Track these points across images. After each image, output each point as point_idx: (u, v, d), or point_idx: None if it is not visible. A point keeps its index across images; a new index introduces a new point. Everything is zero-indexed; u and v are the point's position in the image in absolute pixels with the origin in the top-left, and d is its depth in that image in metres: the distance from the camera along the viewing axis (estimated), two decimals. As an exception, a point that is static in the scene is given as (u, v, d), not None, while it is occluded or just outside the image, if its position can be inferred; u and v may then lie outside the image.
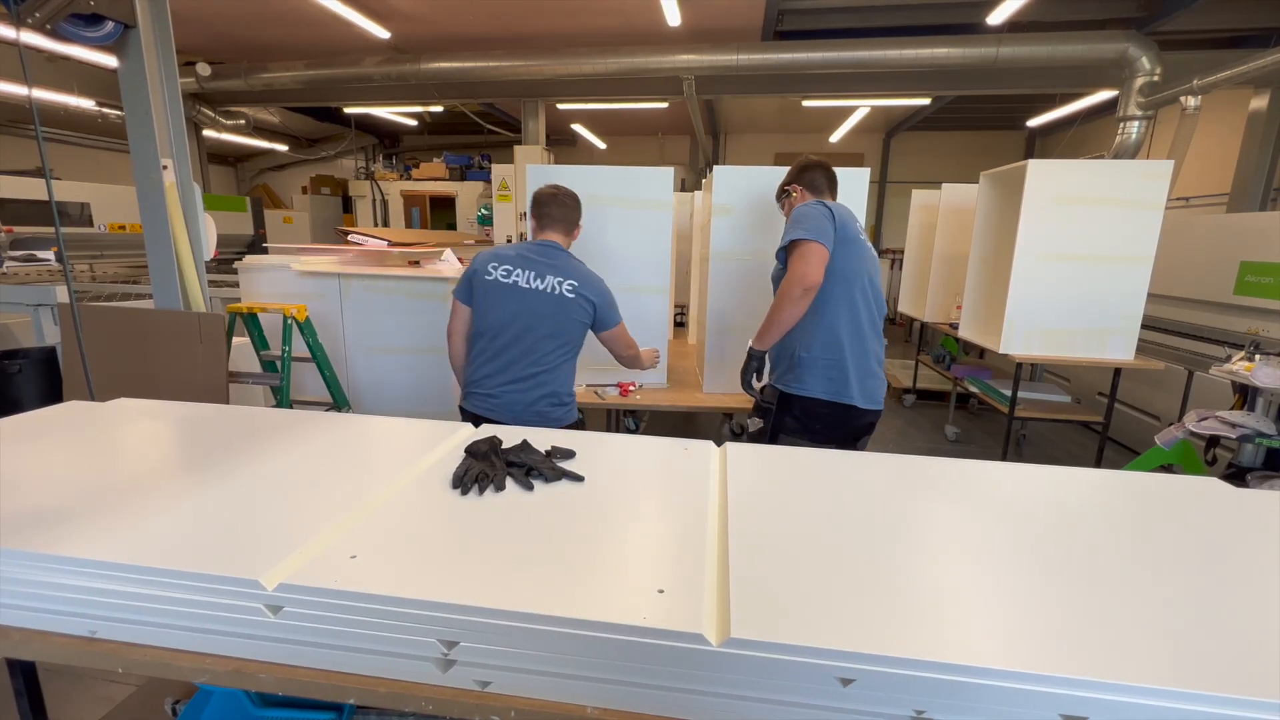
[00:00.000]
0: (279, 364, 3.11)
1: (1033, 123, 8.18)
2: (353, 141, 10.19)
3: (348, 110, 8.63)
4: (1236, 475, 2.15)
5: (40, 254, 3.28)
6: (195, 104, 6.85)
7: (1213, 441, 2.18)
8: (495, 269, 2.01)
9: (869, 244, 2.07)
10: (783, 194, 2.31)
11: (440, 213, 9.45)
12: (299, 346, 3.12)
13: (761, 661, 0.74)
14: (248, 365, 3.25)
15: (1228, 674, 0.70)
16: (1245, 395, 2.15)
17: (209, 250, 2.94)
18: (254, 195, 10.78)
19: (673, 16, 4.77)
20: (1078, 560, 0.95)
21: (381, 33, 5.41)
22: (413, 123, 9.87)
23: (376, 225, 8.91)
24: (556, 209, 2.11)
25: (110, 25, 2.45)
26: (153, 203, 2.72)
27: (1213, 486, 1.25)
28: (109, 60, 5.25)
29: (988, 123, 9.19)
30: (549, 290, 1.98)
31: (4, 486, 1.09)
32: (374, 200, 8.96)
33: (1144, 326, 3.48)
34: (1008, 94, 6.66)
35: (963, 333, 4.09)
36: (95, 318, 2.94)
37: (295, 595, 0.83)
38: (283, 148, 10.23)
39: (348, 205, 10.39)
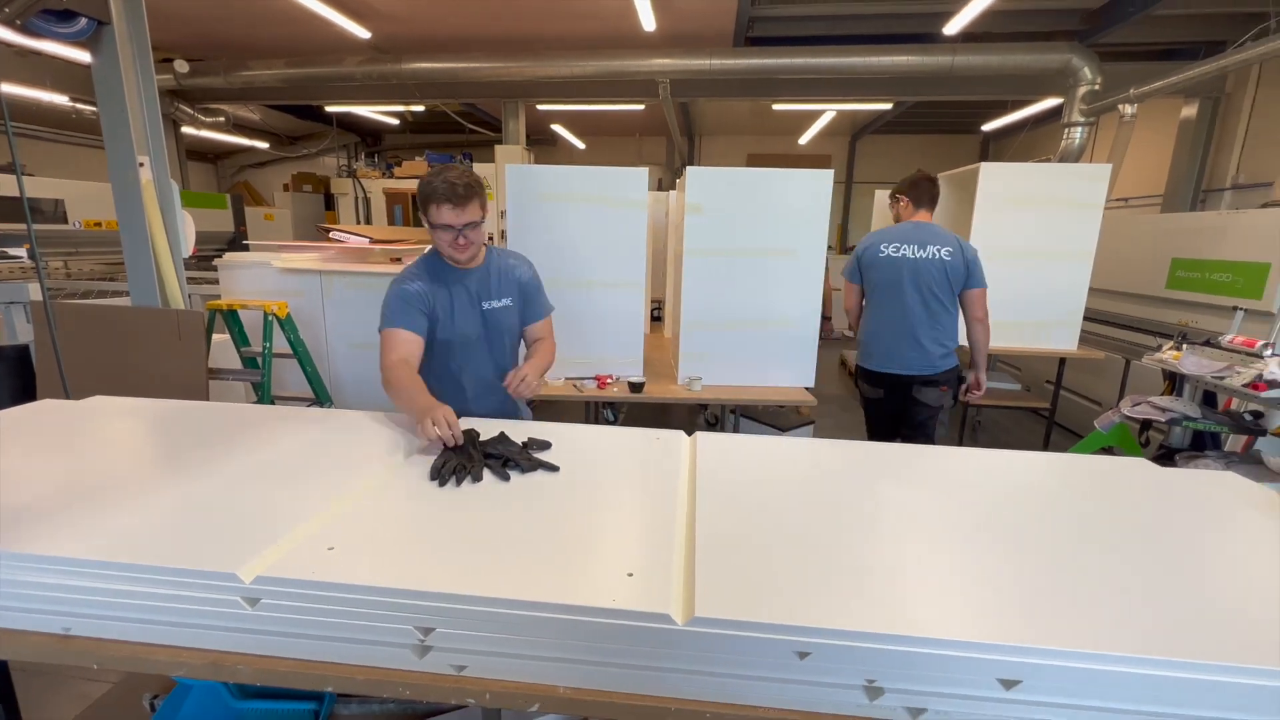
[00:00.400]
0: (259, 360, 3.07)
1: (987, 127, 8.50)
2: (334, 139, 10.03)
3: (329, 109, 8.49)
4: (1167, 455, 2.31)
5: (12, 251, 3.16)
6: (173, 101, 6.65)
7: (1146, 425, 2.34)
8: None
9: (906, 255, 2.59)
10: (894, 199, 2.75)
11: (424, 210, 9.38)
12: (280, 343, 3.10)
13: (724, 638, 0.79)
14: (228, 362, 3.22)
15: (1152, 636, 0.78)
16: (1174, 382, 2.31)
17: (187, 247, 2.89)
18: (234, 192, 10.56)
19: (648, 22, 4.83)
20: (1019, 537, 1.03)
21: (362, 32, 5.32)
22: (394, 122, 9.78)
23: (359, 223, 8.78)
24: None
25: (83, 21, 2.40)
26: (129, 200, 2.67)
27: (1142, 466, 1.36)
28: (83, 56, 5.13)
29: (946, 126, 9.52)
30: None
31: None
32: (356, 198, 8.84)
33: (1086, 318, 3.69)
34: (964, 100, 6.93)
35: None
36: (71, 315, 2.87)
37: (272, 587, 0.85)
38: (263, 145, 10.06)
39: (329, 202, 10.22)
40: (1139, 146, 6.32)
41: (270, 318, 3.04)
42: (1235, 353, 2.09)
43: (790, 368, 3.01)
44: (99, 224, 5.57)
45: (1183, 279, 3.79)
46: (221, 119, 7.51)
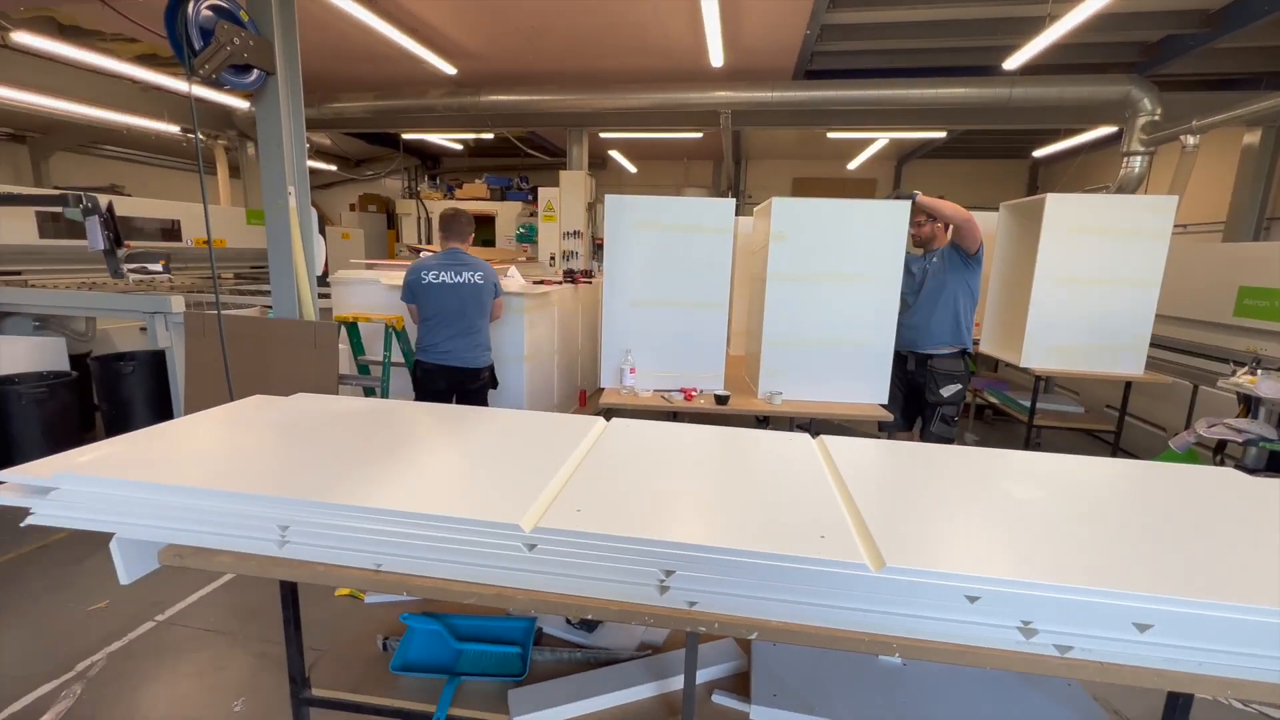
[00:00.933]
0: (371, 367, 3.41)
1: (1038, 153, 8.57)
2: (398, 163, 10.66)
3: (404, 135, 9.11)
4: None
5: (150, 266, 3.58)
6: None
7: (1219, 446, 2.46)
8: (427, 275, 3.12)
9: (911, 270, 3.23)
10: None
11: (480, 230, 9.88)
12: (392, 352, 3.43)
13: (908, 584, 1.01)
14: (343, 368, 3.57)
15: (1256, 591, 0.97)
16: (1249, 405, 2.43)
17: (319, 267, 3.25)
18: None
19: (717, 59, 5.17)
20: (1131, 518, 1.22)
21: (449, 69, 5.80)
22: (458, 146, 10.38)
23: (420, 241, 9.31)
24: (457, 225, 3.28)
25: (256, 74, 2.79)
26: (278, 224, 3.05)
27: (1231, 474, 1.53)
28: (234, 101, 5.62)
29: (994, 152, 9.59)
30: (466, 281, 3.16)
31: (275, 458, 1.37)
32: (419, 218, 9.38)
33: (1150, 344, 3.79)
34: (1017, 128, 7.04)
35: (984, 348, 4.38)
36: (215, 325, 3.24)
37: (547, 536, 1.10)
38: (332, 168, 10.77)
39: (391, 222, 10.84)
40: (1199, 173, 6.34)
41: (389, 329, 3.39)
42: (1311, 377, 2.22)
43: (865, 384, 3.21)
44: (206, 241, 6.13)
45: (1250, 307, 3.86)
46: (308, 146, 8.14)
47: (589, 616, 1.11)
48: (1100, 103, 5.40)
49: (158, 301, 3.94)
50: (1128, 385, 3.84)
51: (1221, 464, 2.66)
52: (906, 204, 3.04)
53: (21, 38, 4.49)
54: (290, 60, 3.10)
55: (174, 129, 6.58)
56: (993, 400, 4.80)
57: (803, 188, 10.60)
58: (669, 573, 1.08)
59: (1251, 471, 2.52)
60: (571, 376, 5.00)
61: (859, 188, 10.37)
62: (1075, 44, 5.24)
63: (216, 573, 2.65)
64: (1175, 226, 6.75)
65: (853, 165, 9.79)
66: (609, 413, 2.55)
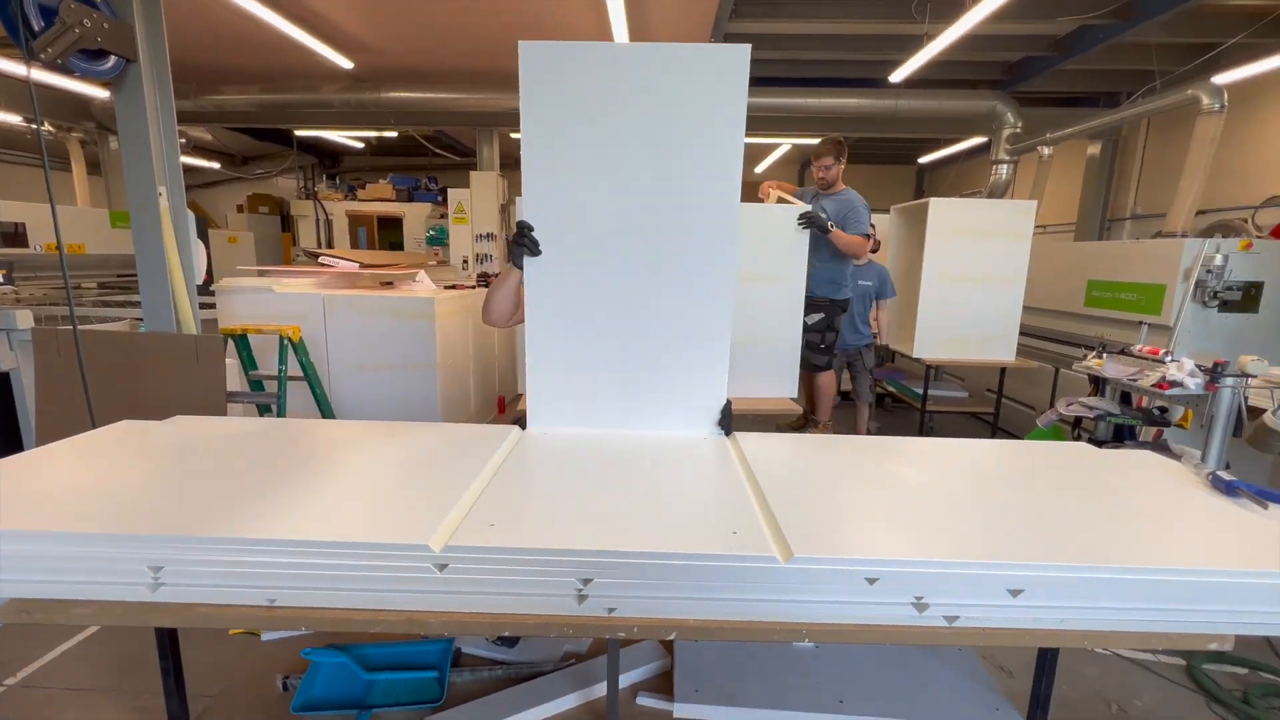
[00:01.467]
0: (266, 383, 3.15)
1: (923, 160, 9.34)
2: (292, 161, 9.88)
3: (297, 132, 8.43)
4: (1094, 446, 2.76)
5: None
6: None
7: (1077, 422, 2.79)
8: None
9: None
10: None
11: (386, 233, 9.35)
12: (291, 365, 3.19)
13: (814, 572, 1.07)
14: (232, 385, 3.27)
15: (1109, 553, 1.10)
16: (1098, 385, 2.78)
17: (200, 274, 2.97)
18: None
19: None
20: (1001, 495, 1.36)
21: (345, 63, 5.45)
22: (359, 145, 9.78)
23: (319, 245, 8.71)
24: None
25: (113, 60, 2.50)
26: (148, 228, 2.76)
27: (1083, 449, 1.73)
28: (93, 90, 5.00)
29: (885, 158, 10.37)
30: None
31: (146, 492, 1.23)
32: (317, 220, 8.77)
33: (1020, 333, 4.24)
34: (903, 136, 7.64)
35: (883, 340, 4.73)
36: (82, 341, 2.87)
37: (458, 554, 1.06)
38: (214, 165, 9.80)
39: (285, 224, 10.03)
40: (1055, 180, 7.16)
41: (285, 341, 3.14)
42: (1144, 359, 2.56)
43: (775, 380, 3.36)
44: (58, 248, 5.41)
45: (1098, 298, 4.40)
46: (183, 141, 7.38)
47: (506, 634, 1.08)
48: (972, 115, 5.97)
49: (-1, 317, 3.43)
50: (1003, 370, 4.27)
51: (1079, 438, 3.03)
52: (805, 207, 3.22)
53: None
54: (155, 46, 2.80)
55: (14, 119, 5.76)
56: (890, 389, 5.17)
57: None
58: (587, 581, 1.07)
59: (1101, 442, 2.88)
60: (489, 383, 4.87)
61: (767, 191, 10.85)
62: (950, 61, 5.75)
63: (79, 625, 2.36)
64: (1036, 227, 7.56)
65: (760, 169, 10.21)
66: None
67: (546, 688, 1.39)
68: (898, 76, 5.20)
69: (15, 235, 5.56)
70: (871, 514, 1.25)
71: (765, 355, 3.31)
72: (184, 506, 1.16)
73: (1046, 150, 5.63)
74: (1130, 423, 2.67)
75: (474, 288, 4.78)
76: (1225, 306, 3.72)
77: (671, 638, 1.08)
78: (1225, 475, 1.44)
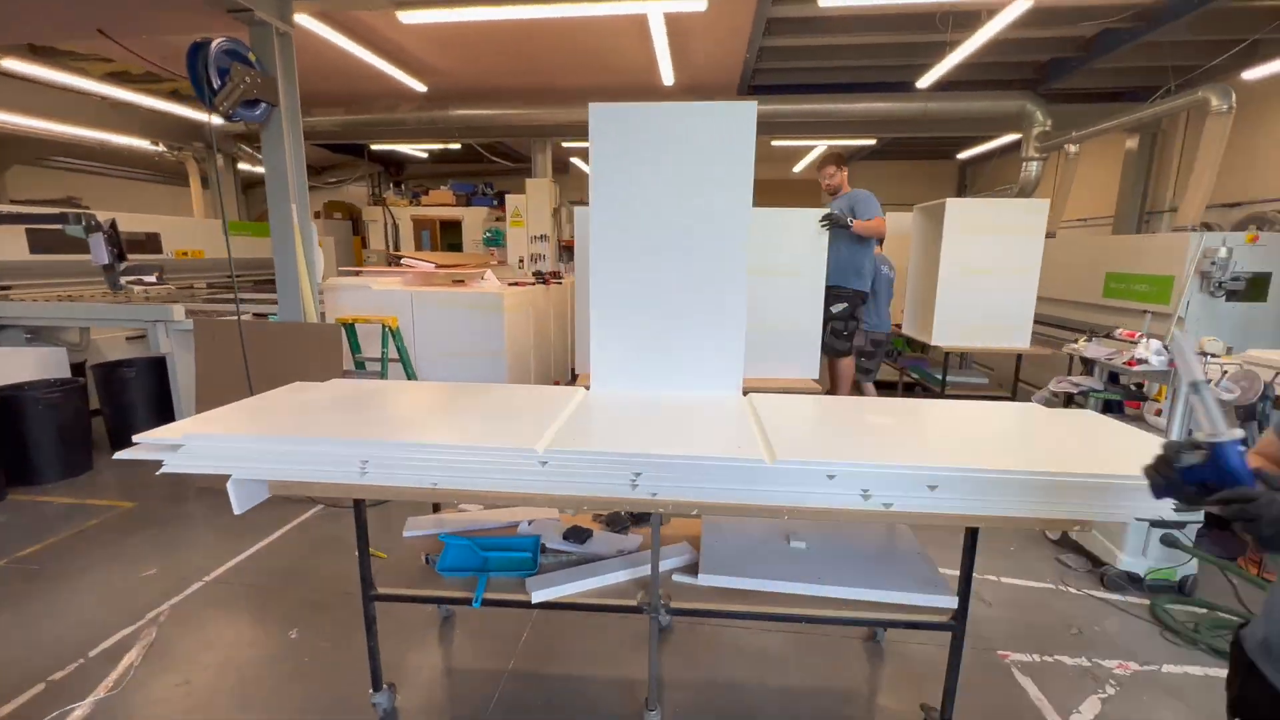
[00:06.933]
0: (367, 364, 3.83)
1: (961, 155, 9.46)
2: (363, 170, 10.85)
3: (374, 147, 9.33)
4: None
5: (146, 278, 3.94)
6: (236, 143, 7.48)
7: (1069, 398, 3.14)
8: None
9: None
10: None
11: (446, 235, 10.20)
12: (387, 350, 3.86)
13: (790, 471, 1.57)
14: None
15: (1015, 459, 1.57)
16: (1087, 365, 3.13)
17: (319, 274, 3.67)
18: (264, 221, 11.50)
19: (668, 77, 5.73)
20: (939, 427, 1.82)
21: (419, 86, 6.19)
22: (424, 155, 10.64)
23: (388, 247, 9.57)
24: None
25: (263, 106, 3.21)
26: (283, 235, 3.46)
27: (1034, 408, 2.16)
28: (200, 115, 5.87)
29: (924, 154, 10.49)
30: None
31: (342, 418, 1.84)
32: (385, 224, 9.64)
33: (1040, 321, 4.54)
34: (938, 135, 7.86)
35: (905, 330, 5.10)
36: (225, 330, 3.62)
37: (554, 455, 1.62)
38: (297, 176, 10.87)
39: (356, 229, 11.03)
40: (1094, 172, 7.26)
41: (386, 329, 3.82)
42: (1122, 341, 2.90)
43: (798, 363, 3.82)
44: (185, 253, 6.36)
45: (1114, 289, 4.65)
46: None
47: (585, 509, 1.64)
48: (1001, 115, 6.20)
49: (159, 310, 4.25)
50: (1019, 357, 4.58)
51: (1069, 412, 3.38)
52: (822, 211, 3.67)
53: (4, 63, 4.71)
54: (290, 93, 3.51)
55: (144, 143, 6.75)
56: (916, 376, 5.52)
57: (755, 189, 11.28)
58: (637, 474, 1.61)
59: (1090, 417, 3.23)
60: (546, 367, 5.49)
61: (805, 186, 11.12)
62: (979, 63, 6.01)
63: (292, 514, 3.11)
64: (1075, 221, 7.68)
65: (798, 168, 10.53)
66: (585, 390, 3.07)
67: (606, 567, 1.94)
68: (924, 82, 5.51)
69: (148, 243, 6.54)
70: (838, 438, 1.75)
71: (789, 341, 3.78)
72: (372, 425, 1.77)
73: (1073, 148, 5.81)
74: (1111, 397, 3.02)
75: (533, 284, 5.41)
76: (1232, 296, 3.95)
77: (694, 514, 1.60)
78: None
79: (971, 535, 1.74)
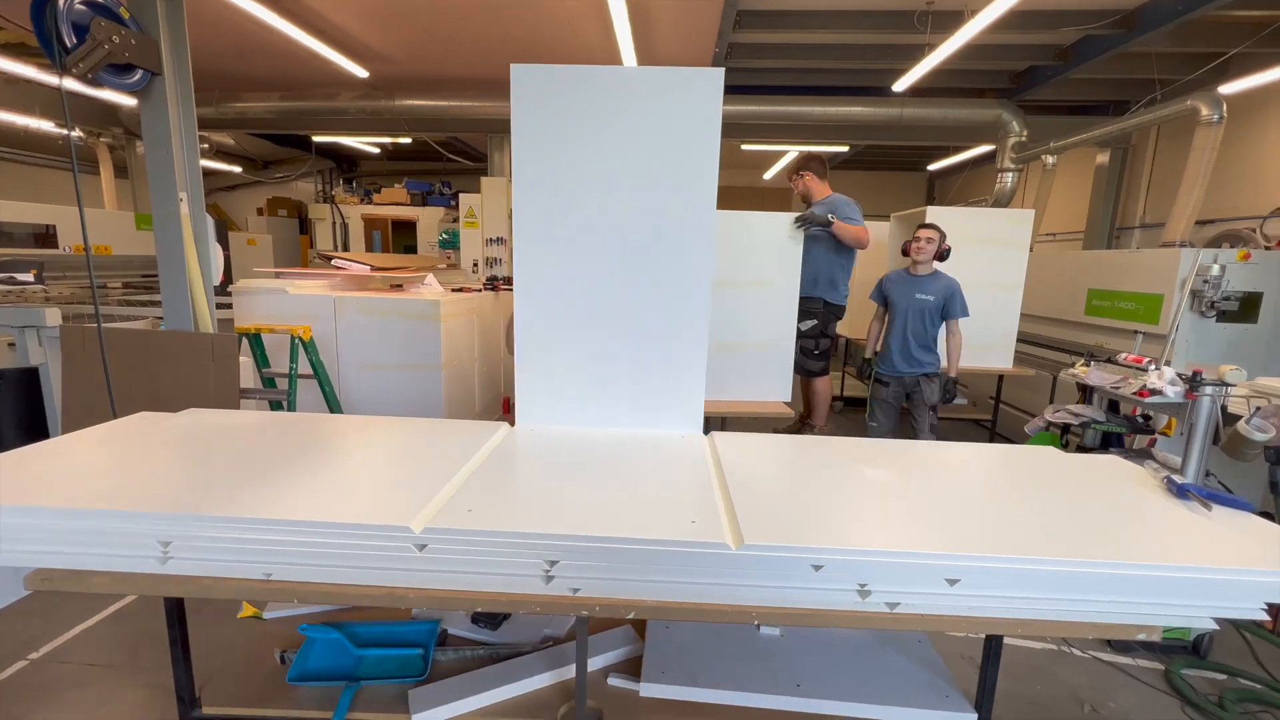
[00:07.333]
0: (278, 380, 3.28)
1: (931, 167, 9.34)
2: (311, 165, 10.15)
3: (315, 138, 8.68)
4: (1082, 454, 2.80)
5: (20, 276, 3.30)
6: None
7: (1065, 429, 2.82)
8: None
9: None
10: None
11: (400, 236, 9.58)
12: (299, 364, 3.32)
13: (763, 559, 1.15)
14: (245, 382, 3.41)
15: (1047, 545, 1.17)
16: (1085, 393, 2.82)
17: (217, 275, 3.11)
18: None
19: (630, 65, 5.32)
20: (953, 491, 1.43)
21: (361, 72, 5.63)
22: (375, 150, 10.01)
23: (335, 247, 8.93)
24: None
25: (139, 73, 2.66)
26: (169, 231, 2.90)
27: (1051, 452, 1.79)
28: (119, 97, 5.22)
29: (894, 165, 10.37)
30: None
31: (158, 475, 1.34)
32: (334, 223, 9.00)
33: (1021, 340, 4.26)
34: (911, 144, 7.67)
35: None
36: (105, 338, 3.03)
37: (437, 536, 1.16)
38: (237, 169, 10.10)
39: (303, 227, 10.31)
40: (1066, 187, 7.14)
41: (296, 340, 3.28)
42: (1128, 368, 2.59)
43: (769, 384, 3.42)
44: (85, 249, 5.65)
45: (1097, 307, 4.41)
46: (205, 145, 7.66)
47: (479, 609, 1.18)
48: (977, 123, 5.99)
49: (29, 314, 3.61)
50: (1000, 378, 4.29)
51: (1067, 445, 3.06)
52: (794, 215, 3.30)
53: None
54: (179, 60, 2.96)
55: (47, 125, 6.02)
56: (892, 395, 5.21)
57: (724, 197, 10.93)
58: (553, 563, 1.16)
59: (1090, 450, 2.90)
60: (494, 384, 4.99)
61: (776, 195, 10.88)
62: (955, 69, 5.79)
63: (101, 603, 2.50)
64: (1045, 235, 7.52)
65: (768, 175, 10.27)
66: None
67: (522, 667, 1.48)
68: (901, 85, 5.25)
69: (46, 236, 5.81)
70: (825, 507, 1.33)
71: (759, 359, 3.38)
72: (192, 489, 1.28)
73: (1050, 159, 5.64)
74: (1115, 430, 2.71)
75: (480, 290, 4.90)
76: (1223, 317, 3.72)
77: (630, 617, 1.16)
78: (1178, 479, 1.49)
79: (994, 637, 1.35)
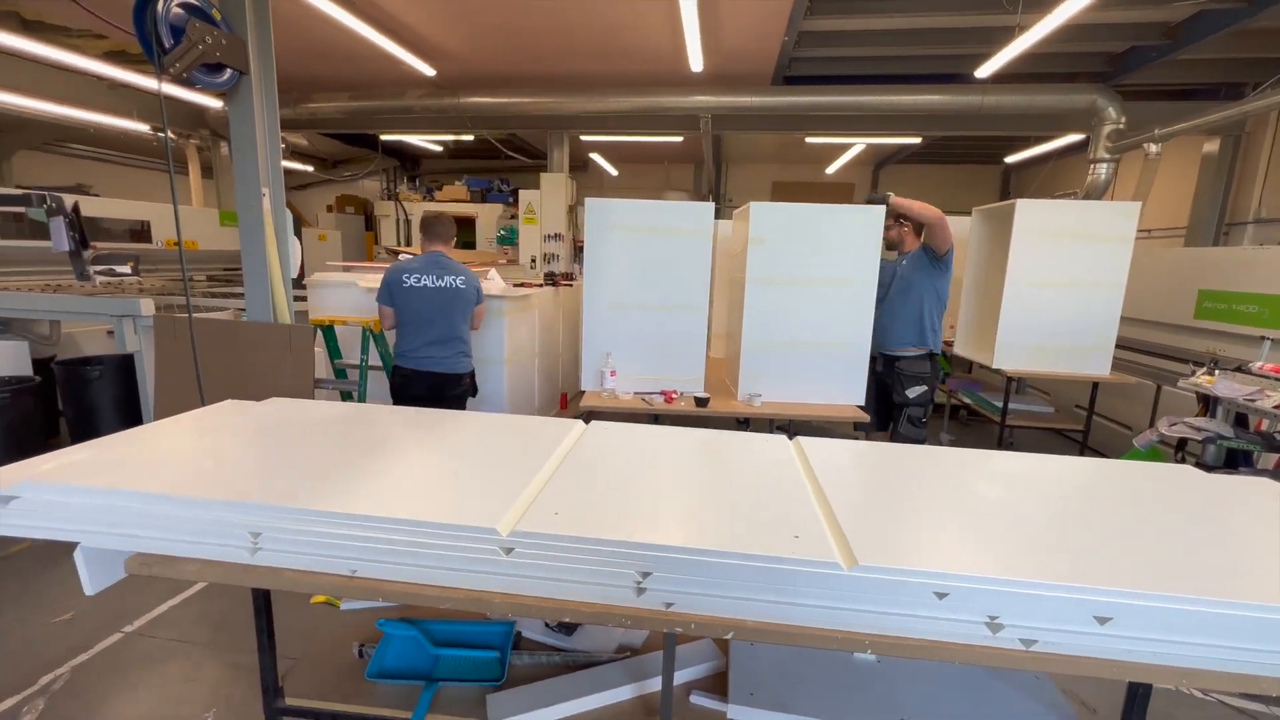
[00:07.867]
0: (349, 370, 3.36)
1: (1010, 159, 8.77)
2: (377, 164, 10.53)
3: (382, 137, 9.00)
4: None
5: (118, 268, 3.49)
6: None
7: (1181, 444, 2.54)
8: (408, 278, 3.02)
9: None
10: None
11: (461, 232, 9.81)
12: (371, 355, 3.38)
13: (879, 582, 1.03)
14: (319, 371, 3.52)
15: (1209, 585, 1.01)
16: (1208, 404, 2.53)
17: (295, 269, 3.20)
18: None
19: (696, 64, 5.20)
20: (1094, 514, 1.27)
21: (428, 70, 5.75)
22: (437, 148, 10.29)
23: (399, 243, 9.22)
24: (440, 228, 3.19)
25: (229, 73, 2.75)
26: (252, 226, 3.00)
27: (1187, 471, 1.59)
28: (207, 100, 5.52)
29: (968, 158, 9.80)
30: (448, 285, 3.05)
31: (248, 465, 1.34)
32: (398, 220, 9.28)
33: (1116, 345, 3.90)
34: (989, 135, 7.21)
35: (957, 350, 4.47)
36: (194, 328, 3.18)
37: (524, 540, 1.10)
38: (309, 168, 10.61)
39: (369, 224, 10.71)
40: (1161, 179, 6.55)
41: (367, 332, 3.34)
42: (1265, 378, 2.30)
43: (842, 386, 3.25)
44: (177, 243, 6.01)
45: (1210, 309, 4.00)
46: (284, 146, 8.02)
47: (566, 619, 1.11)
48: (1067, 111, 5.55)
49: (126, 304, 3.83)
50: (1095, 385, 3.95)
51: (1183, 461, 2.76)
52: (881, 209, 3.10)
53: (-17, 33, 4.36)
54: (264, 59, 3.06)
55: (143, 128, 6.42)
56: (967, 401, 4.90)
57: (782, 191, 10.70)
58: (645, 574, 1.08)
59: (1210, 468, 2.61)
60: (553, 380, 4.99)
61: (837, 191, 10.51)
62: (1044, 54, 5.37)
63: (187, 582, 2.60)
64: (1139, 232, 6.98)
65: (831, 169, 9.93)
66: (589, 416, 2.55)
67: (602, 677, 1.41)
68: (985, 71, 4.90)
69: (141, 232, 6.20)
70: (942, 526, 1.20)
71: (832, 361, 3.22)
72: (281, 480, 1.27)
73: (1154, 148, 5.15)
74: (1247, 448, 2.41)
75: (541, 286, 4.91)
76: (1367, 323, 3.30)
77: (729, 637, 1.07)
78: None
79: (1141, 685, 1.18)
